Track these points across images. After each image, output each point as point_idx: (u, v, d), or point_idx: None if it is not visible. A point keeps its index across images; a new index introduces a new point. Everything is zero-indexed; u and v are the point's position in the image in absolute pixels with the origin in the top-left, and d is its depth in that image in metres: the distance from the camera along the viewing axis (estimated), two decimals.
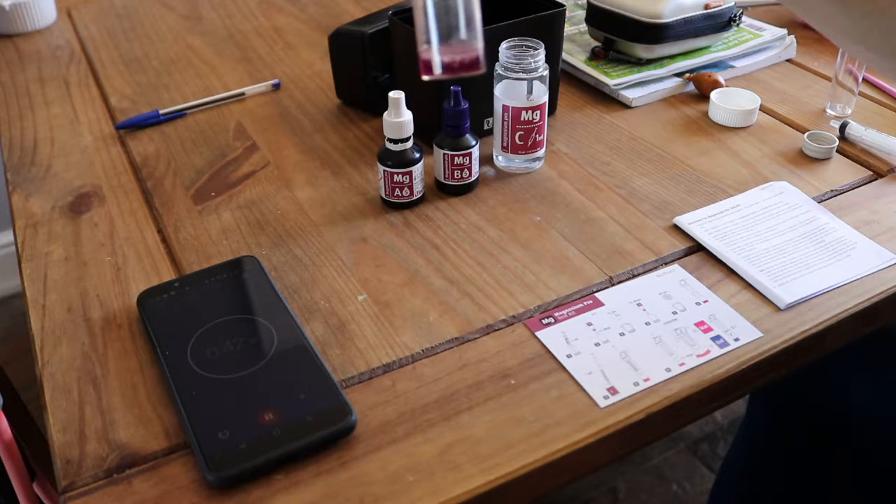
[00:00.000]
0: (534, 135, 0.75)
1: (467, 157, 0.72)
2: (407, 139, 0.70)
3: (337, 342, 0.59)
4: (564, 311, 0.61)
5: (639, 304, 0.61)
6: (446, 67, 0.48)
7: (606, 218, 0.71)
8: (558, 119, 0.86)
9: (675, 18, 0.87)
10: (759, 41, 0.95)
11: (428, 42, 0.48)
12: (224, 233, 0.71)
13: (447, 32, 0.48)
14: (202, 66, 1.00)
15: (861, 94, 0.88)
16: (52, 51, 1.05)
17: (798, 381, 0.82)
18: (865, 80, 0.90)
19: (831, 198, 0.73)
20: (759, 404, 0.91)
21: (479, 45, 0.48)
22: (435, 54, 0.48)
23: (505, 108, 0.73)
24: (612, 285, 0.64)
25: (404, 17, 0.77)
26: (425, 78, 0.49)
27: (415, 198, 0.72)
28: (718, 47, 0.94)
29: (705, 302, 0.61)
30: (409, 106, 0.69)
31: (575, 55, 0.94)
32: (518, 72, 0.72)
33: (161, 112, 0.88)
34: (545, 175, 0.77)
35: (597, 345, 0.58)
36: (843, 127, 0.80)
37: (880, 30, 0.45)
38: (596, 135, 0.83)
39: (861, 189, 0.74)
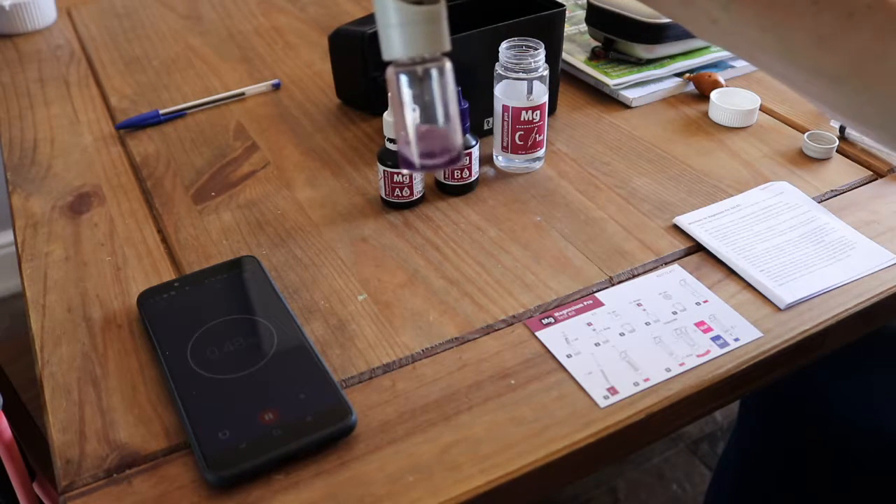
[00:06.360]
0: (534, 135, 0.75)
1: (467, 157, 0.72)
2: None
3: (337, 342, 0.59)
4: (564, 311, 0.61)
5: (639, 304, 0.61)
6: (424, 165, 0.48)
7: (606, 218, 0.71)
8: (558, 119, 0.86)
9: None
10: None
11: (407, 138, 0.48)
12: (224, 233, 0.71)
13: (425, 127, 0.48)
14: (202, 66, 1.00)
15: None
16: (52, 51, 1.05)
17: (788, 382, 0.82)
18: None
19: (831, 198, 0.73)
20: (750, 405, 0.91)
21: (458, 138, 0.48)
22: (414, 150, 0.48)
23: (505, 108, 0.73)
24: (612, 285, 0.64)
25: None
26: (405, 171, 0.49)
27: (415, 198, 0.72)
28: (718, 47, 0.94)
29: (705, 302, 0.61)
30: None
31: (575, 55, 0.94)
32: (518, 72, 0.72)
33: (161, 112, 0.88)
34: (545, 175, 0.77)
35: (597, 345, 0.58)
36: (843, 127, 0.80)
37: (873, 106, 0.45)
38: (596, 135, 0.83)
39: (861, 189, 0.74)
